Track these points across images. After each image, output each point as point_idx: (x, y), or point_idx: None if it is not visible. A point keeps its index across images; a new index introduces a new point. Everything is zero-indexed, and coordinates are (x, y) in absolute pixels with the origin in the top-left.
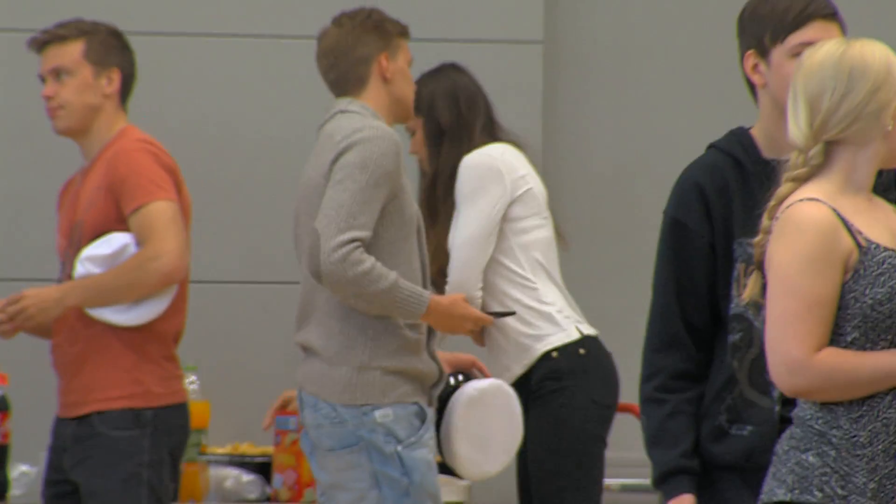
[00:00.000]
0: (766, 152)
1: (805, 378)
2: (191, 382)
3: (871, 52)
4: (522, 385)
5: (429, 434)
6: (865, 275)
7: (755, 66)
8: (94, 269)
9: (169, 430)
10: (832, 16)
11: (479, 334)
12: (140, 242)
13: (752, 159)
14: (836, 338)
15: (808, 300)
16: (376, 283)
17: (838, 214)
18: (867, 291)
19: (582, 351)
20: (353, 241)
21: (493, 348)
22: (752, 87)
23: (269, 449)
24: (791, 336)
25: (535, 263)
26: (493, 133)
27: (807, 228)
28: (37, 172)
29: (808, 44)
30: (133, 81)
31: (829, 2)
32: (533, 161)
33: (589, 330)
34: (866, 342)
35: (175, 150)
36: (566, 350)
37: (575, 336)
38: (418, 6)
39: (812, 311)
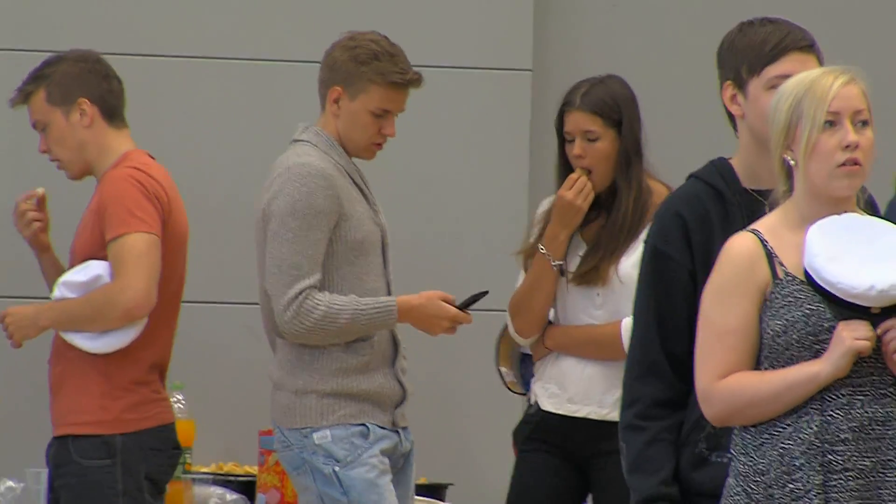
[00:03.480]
0: (746, 182)
1: (712, 405)
2: (176, 401)
3: (805, 73)
4: None
5: (370, 453)
6: (771, 306)
7: (733, 98)
8: (69, 294)
9: (143, 455)
10: (809, 48)
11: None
12: (113, 273)
13: (732, 189)
14: (756, 366)
15: (717, 330)
16: (337, 319)
17: (765, 245)
18: (771, 323)
19: None
20: (301, 292)
21: None
22: (731, 117)
23: (254, 468)
24: (701, 366)
25: None
26: None
27: (723, 260)
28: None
29: (785, 76)
30: (114, 96)
31: (805, 34)
32: (520, 188)
33: None
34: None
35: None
36: None
37: None
38: (409, 32)
39: (721, 340)
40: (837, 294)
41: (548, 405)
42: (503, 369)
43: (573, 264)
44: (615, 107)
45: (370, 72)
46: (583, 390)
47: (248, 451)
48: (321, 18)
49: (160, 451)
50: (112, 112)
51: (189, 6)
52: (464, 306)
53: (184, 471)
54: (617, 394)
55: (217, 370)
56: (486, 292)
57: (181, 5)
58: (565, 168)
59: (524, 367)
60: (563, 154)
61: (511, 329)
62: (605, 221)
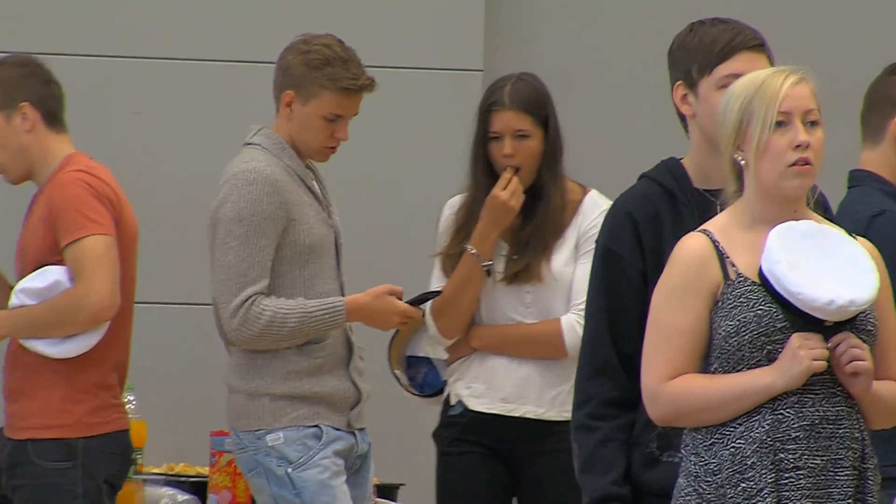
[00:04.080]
0: (697, 182)
1: (658, 406)
2: (127, 402)
3: (755, 73)
4: None
5: (323, 454)
6: (723, 307)
7: (684, 98)
8: (28, 301)
9: (103, 458)
10: (759, 47)
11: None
12: (73, 277)
13: (683, 189)
14: (705, 367)
15: (666, 330)
16: (284, 323)
17: (716, 246)
18: (722, 323)
19: None
20: (247, 299)
21: None
22: (682, 118)
23: (205, 469)
24: (648, 366)
25: None
26: None
27: (674, 261)
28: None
29: (736, 75)
30: (55, 101)
31: (756, 33)
32: None
33: None
34: (725, 373)
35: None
36: None
37: None
38: (361, 32)
39: (671, 341)
40: (796, 304)
41: (477, 405)
42: (397, 372)
43: (497, 264)
44: (542, 105)
45: (322, 77)
46: (518, 390)
47: (199, 452)
48: (274, 19)
49: (119, 455)
50: (53, 116)
51: (143, 7)
52: (414, 303)
53: (135, 472)
54: (552, 392)
55: (168, 371)
56: (440, 292)
57: (134, 6)
58: (486, 168)
59: (412, 370)
60: (485, 153)
61: (434, 330)
62: (525, 220)
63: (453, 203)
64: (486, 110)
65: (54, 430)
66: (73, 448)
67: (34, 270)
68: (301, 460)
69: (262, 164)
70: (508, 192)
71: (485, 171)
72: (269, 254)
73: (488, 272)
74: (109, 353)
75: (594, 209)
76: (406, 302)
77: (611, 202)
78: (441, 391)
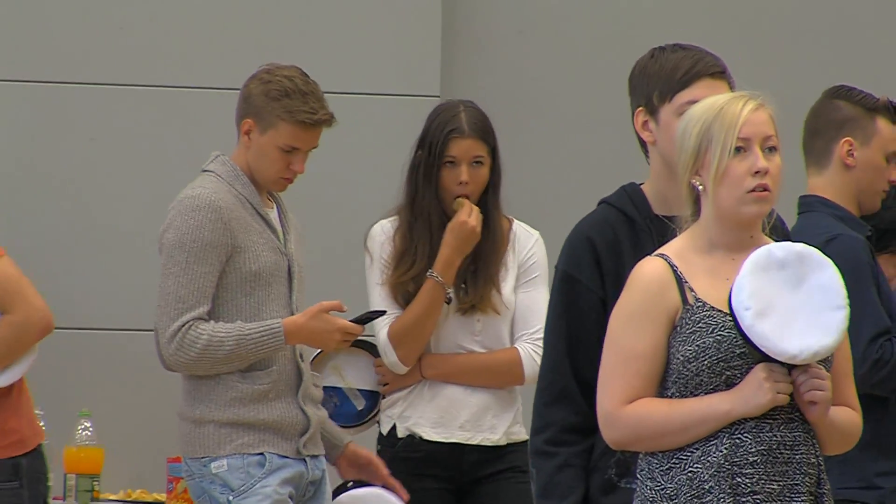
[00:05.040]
0: (657, 208)
1: (615, 430)
2: (84, 428)
3: (713, 98)
4: None
5: (265, 482)
6: (682, 332)
7: (645, 124)
8: None
9: (38, 476)
10: (720, 73)
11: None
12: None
13: (643, 215)
14: (661, 391)
15: (625, 354)
16: (221, 347)
17: (674, 271)
18: (680, 348)
19: None
20: (184, 325)
21: None
22: (643, 144)
23: (162, 495)
24: (605, 389)
25: None
26: None
27: (632, 284)
28: (35, 222)
29: (696, 102)
30: None
31: (717, 60)
32: None
33: None
34: (682, 398)
35: (67, 196)
36: None
37: None
38: (317, 58)
39: (628, 365)
40: (763, 351)
41: (433, 435)
42: None
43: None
44: (493, 133)
45: (279, 108)
46: (474, 418)
47: (156, 478)
48: (233, 45)
49: (45, 472)
50: None
51: (101, 34)
52: (357, 322)
53: (92, 498)
54: (506, 418)
55: (125, 397)
56: (384, 312)
57: (91, 34)
58: (434, 193)
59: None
60: (436, 178)
61: (392, 358)
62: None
63: (385, 228)
64: (445, 136)
65: (3, 451)
66: (18, 467)
67: None
68: (242, 488)
69: (208, 191)
70: (475, 218)
71: (433, 196)
72: (209, 280)
73: (448, 300)
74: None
75: (528, 238)
76: (352, 320)
77: (536, 231)
78: (362, 421)
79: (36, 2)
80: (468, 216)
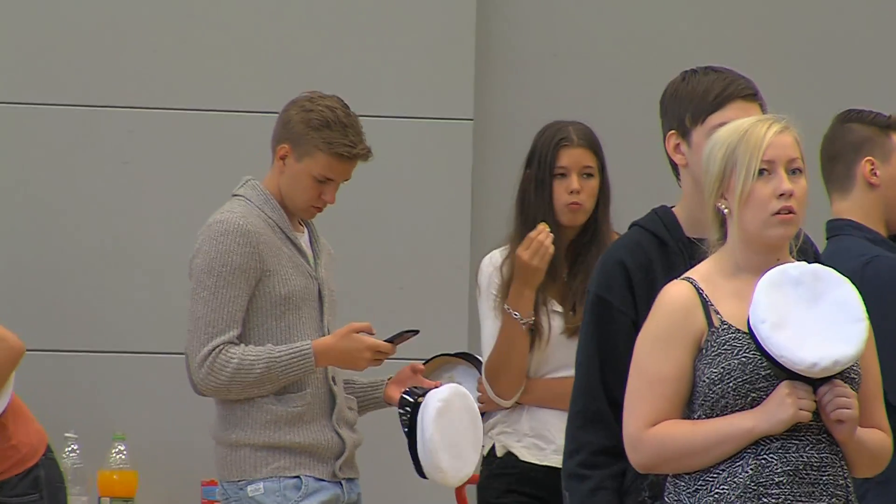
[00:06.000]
0: (689, 231)
1: (641, 453)
2: (118, 451)
3: (738, 121)
4: None
5: None
6: (707, 354)
7: (677, 147)
8: None
9: (57, 485)
10: (752, 96)
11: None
12: None
13: (674, 238)
14: (689, 414)
15: (649, 377)
16: (251, 370)
17: (700, 294)
18: (706, 371)
19: None
20: (214, 348)
21: None
22: (674, 166)
23: None
24: (630, 413)
25: None
26: None
27: (657, 308)
28: (36, 243)
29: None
30: None
31: (748, 83)
32: (462, 236)
33: None
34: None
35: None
36: None
37: None
38: (351, 81)
39: (653, 388)
40: (781, 364)
41: (528, 457)
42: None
43: (547, 319)
44: (601, 147)
45: (318, 138)
46: None
47: (190, 502)
48: (266, 69)
49: (62, 480)
50: None
51: (135, 58)
52: (390, 341)
53: None
54: None
55: (159, 420)
56: (417, 331)
57: (126, 57)
58: (549, 207)
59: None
60: (549, 192)
61: (491, 394)
62: (577, 268)
63: (494, 259)
64: (554, 147)
65: (18, 466)
66: (37, 479)
67: None
68: None
69: (237, 216)
70: (531, 252)
71: (546, 211)
72: (239, 304)
73: (531, 329)
74: None
75: None
76: (385, 340)
77: None
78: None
79: (70, 25)
80: (525, 248)
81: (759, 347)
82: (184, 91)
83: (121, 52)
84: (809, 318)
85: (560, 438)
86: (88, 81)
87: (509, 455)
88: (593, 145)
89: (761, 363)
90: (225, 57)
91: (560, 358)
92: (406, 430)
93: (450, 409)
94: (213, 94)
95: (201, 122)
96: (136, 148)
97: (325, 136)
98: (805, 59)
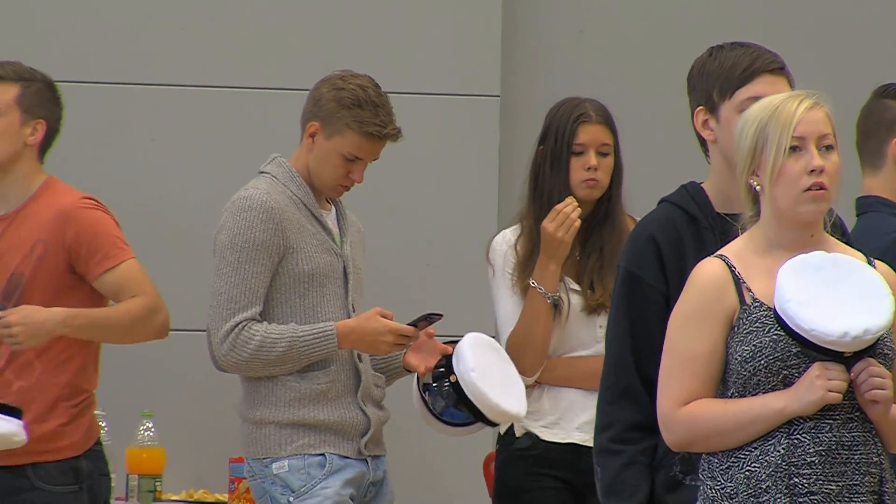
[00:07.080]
0: (718, 206)
1: (672, 432)
2: (146, 429)
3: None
4: None
5: (325, 483)
6: (739, 332)
7: (705, 123)
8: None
9: (99, 477)
10: (780, 70)
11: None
12: (117, 299)
13: (704, 213)
14: (722, 392)
15: (682, 355)
16: (273, 348)
17: (732, 271)
18: (738, 348)
19: None
20: (237, 325)
21: None
22: (703, 142)
23: (224, 496)
24: (663, 392)
25: None
26: None
27: (690, 286)
28: None
29: (757, 98)
30: (56, 136)
31: (776, 56)
32: (489, 213)
33: None
34: (741, 398)
35: (129, 197)
36: None
37: None
38: (377, 58)
39: (685, 367)
40: (811, 340)
41: (549, 436)
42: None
43: (571, 296)
44: (615, 125)
45: (349, 117)
46: (591, 420)
47: (218, 479)
48: (293, 46)
49: (106, 472)
50: (47, 146)
51: (162, 35)
52: (413, 325)
53: (154, 498)
54: None
55: (187, 398)
56: (441, 315)
57: (153, 34)
58: (566, 184)
59: (432, 398)
60: (565, 169)
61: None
62: (590, 247)
63: (507, 238)
64: (573, 122)
65: (62, 452)
66: (78, 470)
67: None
68: (303, 489)
69: (261, 192)
70: (556, 224)
71: (562, 188)
72: (261, 280)
73: (555, 304)
74: (92, 382)
75: None
76: (408, 324)
77: None
78: (464, 424)
79: (98, 3)
80: (550, 220)
81: (787, 328)
82: (212, 68)
83: (148, 29)
84: (835, 295)
85: (581, 417)
86: (116, 59)
87: (528, 435)
88: (610, 122)
89: (792, 340)
90: (252, 34)
91: (579, 337)
92: (453, 399)
93: (483, 349)
94: (241, 72)
95: (229, 100)
96: (163, 125)
97: (356, 114)
98: (838, 34)
